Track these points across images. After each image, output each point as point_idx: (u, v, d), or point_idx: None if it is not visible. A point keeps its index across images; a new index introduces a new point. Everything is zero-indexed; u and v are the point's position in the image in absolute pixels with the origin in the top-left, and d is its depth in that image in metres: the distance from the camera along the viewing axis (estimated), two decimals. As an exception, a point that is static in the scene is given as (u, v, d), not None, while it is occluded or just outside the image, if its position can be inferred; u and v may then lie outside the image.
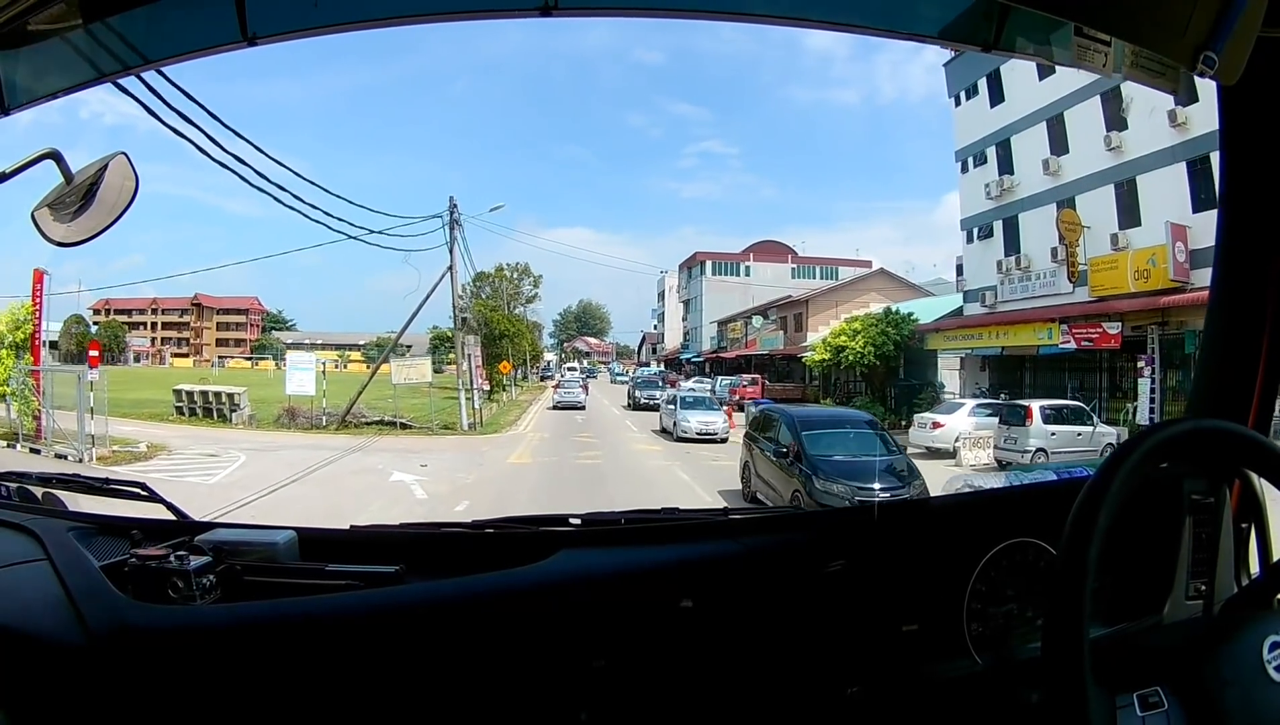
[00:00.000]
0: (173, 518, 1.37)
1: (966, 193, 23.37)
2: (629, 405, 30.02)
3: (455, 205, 22.19)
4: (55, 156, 1.08)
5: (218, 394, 20.43)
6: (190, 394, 20.58)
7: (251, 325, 68.35)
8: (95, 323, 62.49)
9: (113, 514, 1.34)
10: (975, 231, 23.11)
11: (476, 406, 21.78)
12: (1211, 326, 1.35)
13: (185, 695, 0.98)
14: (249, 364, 56.03)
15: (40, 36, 1.08)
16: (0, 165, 1.08)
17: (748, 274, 53.86)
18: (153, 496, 1.40)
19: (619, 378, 55.58)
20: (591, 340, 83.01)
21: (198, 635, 1.01)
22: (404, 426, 19.97)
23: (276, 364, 55.87)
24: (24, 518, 1.23)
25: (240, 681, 1.00)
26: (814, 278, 50.30)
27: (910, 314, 24.14)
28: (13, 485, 1.45)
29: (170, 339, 68.38)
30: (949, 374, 23.89)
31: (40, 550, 1.11)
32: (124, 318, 66.46)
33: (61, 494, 1.45)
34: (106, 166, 1.12)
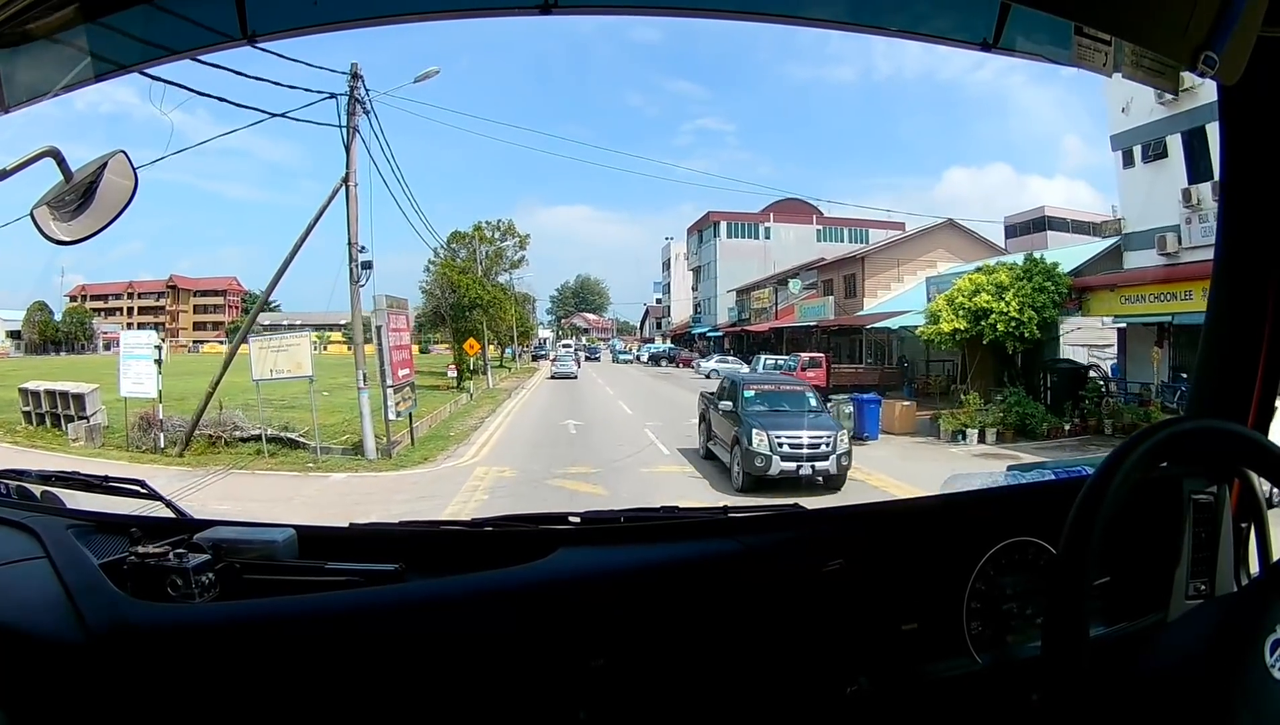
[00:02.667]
0: (172, 516, 1.38)
1: (1119, 99, 16.55)
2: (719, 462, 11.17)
3: (359, 75, 12.74)
4: (55, 155, 1.09)
5: (63, 395, 14.34)
6: (36, 395, 14.69)
7: (231, 306, 65.33)
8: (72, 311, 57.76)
9: (112, 512, 1.35)
10: (1140, 151, 16.31)
11: (393, 416, 13.23)
12: (1211, 326, 1.36)
13: (185, 693, 0.97)
14: (223, 348, 50.06)
15: (40, 35, 1.08)
16: (0, 163, 1.09)
17: (768, 236, 47.26)
18: (152, 494, 1.41)
19: (622, 356, 48.76)
20: (590, 316, 78.33)
21: (197, 633, 1.01)
22: (292, 445, 12.77)
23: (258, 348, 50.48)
24: (23, 515, 1.23)
25: (240, 679, 0.99)
26: (842, 241, 43.67)
27: (1057, 265, 16.40)
28: (11, 483, 1.45)
29: (147, 324, 63.58)
30: (1072, 352, 16.90)
31: (39, 548, 1.12)
32: (100, 303, 63.14)
33: (60, 492, 1.46)
34: (106, 165, 1.13)
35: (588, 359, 43.22)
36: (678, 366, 40.81)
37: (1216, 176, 1.34)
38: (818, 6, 1.40)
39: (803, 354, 23.87)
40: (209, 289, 62.97)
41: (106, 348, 56.99)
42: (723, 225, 49.00)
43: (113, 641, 0.96)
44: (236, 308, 64.97)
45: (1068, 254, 18.66)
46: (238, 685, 0.99)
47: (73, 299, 62.02)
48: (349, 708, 1.01)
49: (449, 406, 18.57)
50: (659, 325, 64.13)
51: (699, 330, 50.36)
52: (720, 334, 45.00)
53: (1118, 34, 1.14)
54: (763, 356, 27.33)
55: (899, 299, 25.95)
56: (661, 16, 1.41)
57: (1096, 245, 18.78)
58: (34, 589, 1.03)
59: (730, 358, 35.54)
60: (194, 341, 53.85)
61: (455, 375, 23.91)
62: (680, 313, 58.08)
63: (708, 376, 31.91)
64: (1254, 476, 1.15)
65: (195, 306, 63.33)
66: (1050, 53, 1.30)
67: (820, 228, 47.36)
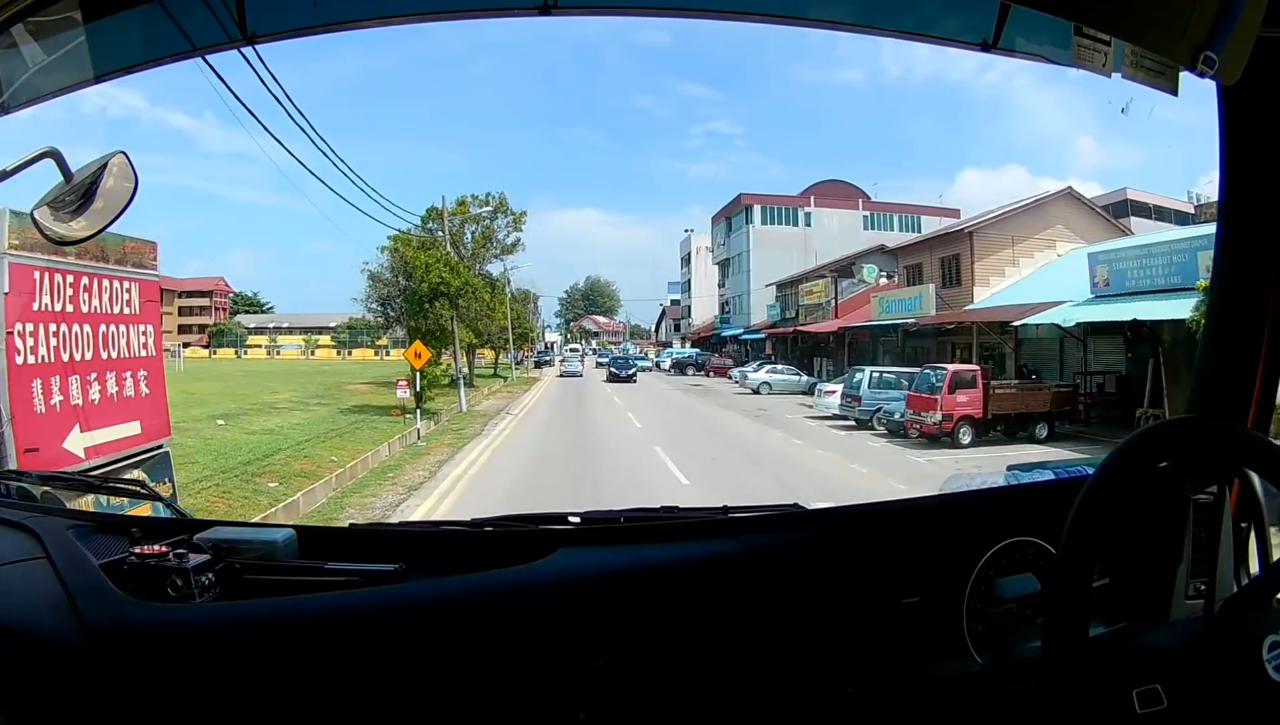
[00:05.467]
0: (172, 516, 1.39)
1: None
2: None
3: None
4: (55, 155, 1.09)
5: None
6: None
7: (218, 308, 61.96)
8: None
9: (112, 512, 1.43)
10: None
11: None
12: (1211, 325, 1.36)
13: (184, 694, 0.98)
14: (207, 353, 46.62)
15: (40, 35, 1.08)
16: (0, 164, 1.09)
17: (808, 223, 40.77)
18: (152, 495, 1.42)
19: (639, 363, 41.24)
20: (600, 319, 75.09)
21: (196, 633, 1.01)
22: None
23: (237, 353, 48.37)
24: (23, 516, 1.23)
25: (239, 680, 1.00)
26: (892, 229, 38.14)
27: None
28: (12, 483, 1.46)
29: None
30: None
31: (39, 548, 1.12)
32: (86, 309, 61.16)
33: (61, 492, 1.46)
34: (106, 165, 1.13)
35: (611, 378, 31.82)
36: (709, 376, 34.63)
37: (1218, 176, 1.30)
38: (818, 8, 1.41)
39: (948, 366, 15.44)
40: (195, 290, 59.11)
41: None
42: (756, 210, 41.60)
43: (112, 642, 0.97)
44: (224, 309, 62.04)
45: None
46: (238, 686, 0.99)
47: (58, 304, 61.23)
48: (349, 708, 1.01)
49: (388, 447, 12.01)
50: (677, 327, 57.48)
51: (728, 332, 43.15)
52: (761, 336, 37.52)
53: (1117, 34, 1.15)
54: (867, 370, 18.08)
55: (1022, 285, 20.57)
56: (662, 17, 1.41)
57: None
58: (34, 589, 1.04)
59: (780, 366, 27.43)
60: (180, 345, 44.69)
61: (408, 395, 15.88)
62: (703, 313, 50.97)
63: (756, 391, 24.60)
64: (1254, 476, 1.16)
65: (180, 308, 58.72)
66: (1050, 53, 1.31)
67: (868, 213, 41.19)
